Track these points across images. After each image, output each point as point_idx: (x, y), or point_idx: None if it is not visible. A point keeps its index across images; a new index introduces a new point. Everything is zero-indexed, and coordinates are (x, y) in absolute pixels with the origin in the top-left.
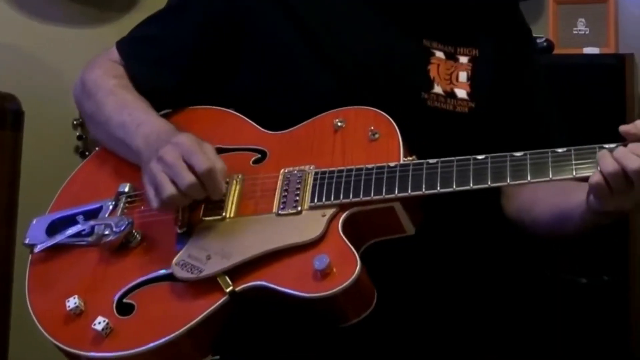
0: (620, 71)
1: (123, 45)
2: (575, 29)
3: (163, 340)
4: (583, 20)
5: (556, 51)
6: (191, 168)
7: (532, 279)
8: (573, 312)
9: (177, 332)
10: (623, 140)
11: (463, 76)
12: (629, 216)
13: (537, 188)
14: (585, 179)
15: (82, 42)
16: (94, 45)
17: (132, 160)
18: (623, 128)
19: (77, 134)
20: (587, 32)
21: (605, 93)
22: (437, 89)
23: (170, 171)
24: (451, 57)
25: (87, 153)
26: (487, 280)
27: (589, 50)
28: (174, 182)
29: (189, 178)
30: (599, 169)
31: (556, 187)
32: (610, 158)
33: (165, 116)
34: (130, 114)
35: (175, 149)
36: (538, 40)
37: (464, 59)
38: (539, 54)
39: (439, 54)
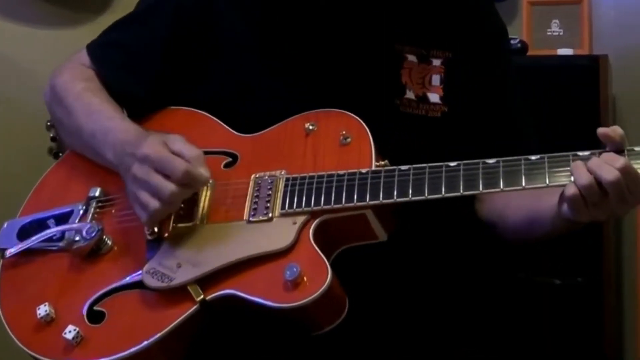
0: (594, 72)
1: (94, 49)
2: (549, 30)
3: (134, 349)
4: (557, 21)
5: (530, 52)
6: (167, 177)
7: (507, 282)
8: (548, 314)
9: (147, 342)
10: (597, 143)
11: (436, 79)
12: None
13: (510, 192)
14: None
15: (56, 43)
16: (67, 46)
17: (105, 165)
18: (601, 131)
19: (51, 135)
20: (561, 34)
21: (579, 94)
22: (409, 95)
23: (148, 187)
24: (424, 59)
25: (60, 154)
26: (460, 284)
27: (563, 51)
28: (155, 196)
29: (169, 188)
30: (573, 180)
31: (529, 192)
32: (584, 169)
33: (138, 117)
34: (97, 121)
35: (143, 165)
36: (512, 42)
37: (437, 62)
38: (513, 56)
39: (411, 58)
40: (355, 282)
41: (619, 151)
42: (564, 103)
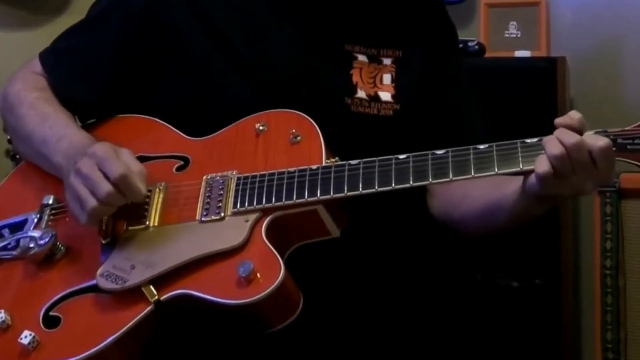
0: (551, 74)
1: (45, 57)
2: (506, 32)
3: (90, 352)
4: (514, 23)
5: (487, 54)
6: (106, 176)
7: (464, 283)
8: (505, 316)
9: (103, 344)
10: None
11: (387, 78)
12: (560, 220)
13: (468, 183)
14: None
15: (12, 45)
16: (24, 49)
17: (55, 174)
18: (558, 120)
19: (8, 137)
20: (518, 35)
21: (537, 96)
22: (361, 94)
23: (88, 183)
24: (374, 59)
25: (17, 156)
26: (416, 283)
27: (520, 53)
28: (93, 194)
29: (105, 187)
30: (545, 155)
31: (489, 180)
32: (556, 140)
33: (88, 126)
34: (51, 128)
35: (90, 159)
36: (469, 44)
37: (387, 61)
38: (470, 57)
39: (362, 58)
40: (309, 280)
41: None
42: (521, 105)
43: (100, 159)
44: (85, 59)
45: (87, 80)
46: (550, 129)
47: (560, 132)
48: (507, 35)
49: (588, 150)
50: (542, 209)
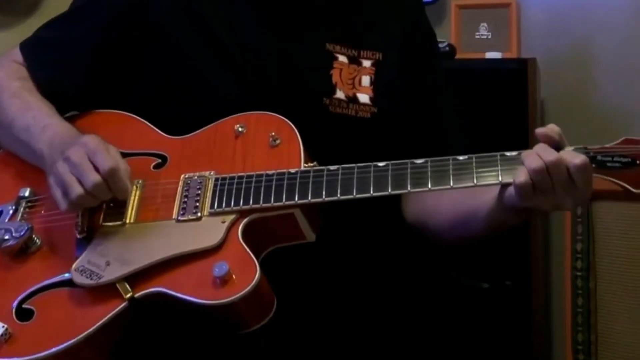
0: (522, 76)
1: (26, 48)
2: (477, 33)
3: (62, 346)
4: (485, 24)
5: (458, 56)
6: (96, 167)
7: (435, 285)
8: (476, 317)
9: (75, 339)
10: (525, 146)
11: (366, 80)
12: (531, 222)
13: (443, 192)
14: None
15: None
16: None
17: (35, 163)
18: (540, 130)
19: None
20: (489, 37)
21: (507, 98)
22: (339, 94)
23: (76, 171)
24: (354, 61)
25: None
26: (389, 286)
27: (491, 54)
28: (80, 182)
29: (94, 177)
30: (525, 168)
31: (464, 190)
32: (535, 154)
33: (66, 119)
34: (35, 117)
35: (81, 148)
36: (440, 45)
37: (367, 63)
38: (441, 59)
39: (342, 58)
40: (284, 283)
41: (558, 149)
42: (492, 106)
43: (91, 150)
44: (67, 51)
45: (68, 73)
46: (520, 131)
47: (540, 148)
48: (477, 37)
49: (566, 167)
50: (518, 219)
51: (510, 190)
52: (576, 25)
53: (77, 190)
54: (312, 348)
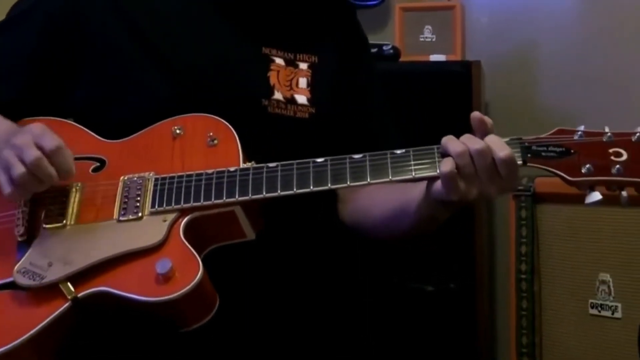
0: (466, 78)
1: None
2: (421, 36)
3: (4, 348)
4: (429, 27)
5: (402, 58)
6: (41, 148)
7: (380, 287)
8: (421, 320)
9: (18, 341)
10: None
11: (303, 82)
12: (475, 225)
13: (376, 190)
14: (424, 180)
15: None
16: None
17: None
18: (477, 115)
19: None
20: (433, 40)
21: (451, 100)
22: (278, 96)
23: (19, 151)
24: (291, 63)
25: None
26: (329, 287)
27: (435, 57)
28: (22, 161)
29: (35, 153)
30: (449, 159)
31: (395, 187)
32: (457, 140)
33: None
34: None
35: (27, 134)
36: (384, 48)
37: (303, 65)
38: (385, 61)
39: (279, 61)
40: (225, 282)
41: None
42: (436, 109)
43: (36, 134)
44: (4, 59)
45: (6, 80)
46: (465, 133)
47: (465, 137)
48: (422, 39)
49: (491, 156)
50: (446, 213)
51: (438, 183)
52: (520, 28)
53: (18, 169)
54: (252, 348)
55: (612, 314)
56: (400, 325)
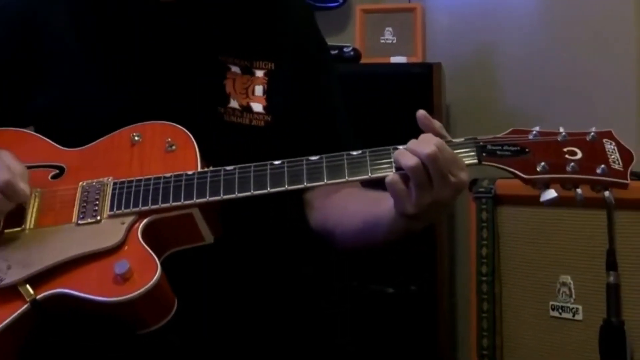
0: (427, 80)
1: None
2: (382, 37)
3: None
4: (390, 29)
5: (363, 60)
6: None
7: (340, 289)
8: (381, 322)
9: None
10: None
11: (259, 90)
12: (436, 227)
13: (347, 199)
14: (381, 179)
15: None
16: None
17: None
18: (423, 113)
19: None
20: (394, 41)
21: (412, 102)
22: (233, 104)
23: None
24: (247, 71)
25: None
26: (288, 290)
27: (396, 59)
28: None
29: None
30: (394, 166)
31: (368, 197)
32: (408, 153)
33: None
34: None
35: None
36: (345, 50)
37: (259, 73)
38: (346, 63)
39: (235, 69)
40: (184, 285)
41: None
42: (397, 111)
43: None
44: None
45: None
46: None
47: (415, 144)
48: (382, 41)
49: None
50: (419, 225)
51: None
52: (481, 30)
53: None
54: (209, 350)
55: (573, 316)
56: (361, 328)
